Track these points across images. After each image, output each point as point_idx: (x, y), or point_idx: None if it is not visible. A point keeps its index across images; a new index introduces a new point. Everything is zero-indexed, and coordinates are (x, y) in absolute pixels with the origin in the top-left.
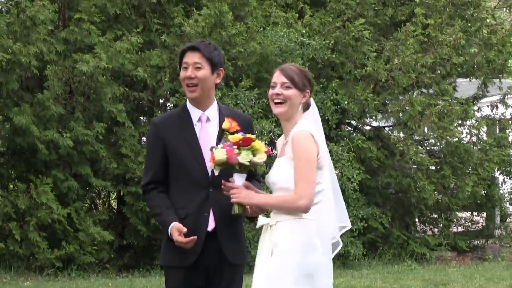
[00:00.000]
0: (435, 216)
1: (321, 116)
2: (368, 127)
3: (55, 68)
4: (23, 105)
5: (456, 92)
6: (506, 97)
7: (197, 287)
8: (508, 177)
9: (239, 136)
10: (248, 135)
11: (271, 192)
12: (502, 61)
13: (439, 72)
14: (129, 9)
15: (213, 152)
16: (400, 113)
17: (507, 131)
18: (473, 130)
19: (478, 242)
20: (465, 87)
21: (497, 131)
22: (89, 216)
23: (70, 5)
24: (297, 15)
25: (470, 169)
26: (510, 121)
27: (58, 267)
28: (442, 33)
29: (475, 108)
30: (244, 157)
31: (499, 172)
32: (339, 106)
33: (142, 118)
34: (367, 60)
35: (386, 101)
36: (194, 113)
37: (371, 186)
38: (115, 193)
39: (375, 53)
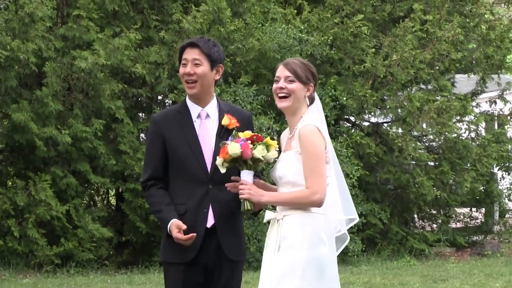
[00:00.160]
0: (434, 212)
1: None
2: (366, 123)
3: (53, 65)
4: (21, 102)
5: (454, 88)
6: (505, 92)
7: (196, 284)
8: (506, 173)
9: (250, 132)
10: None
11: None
12: (501, 57)
13: (437, 68)
14: (128, 5)
15: (225, 146)
16: (399, 109)
17: (506, 126)
18: (471, 126)
19: (477, 238)
20: (464, 83)
21: (496, 127)
22: (88, 213)
23: (68, 1)
24: (295, 11)
25: (468, 165)
26: (508, 117)
27: (57, 264)
28: (440, 29)
29: (474, 104)
30: (259, 151)
31: (497, 168)
32: (337, 102)
33: (140, 114)
34: (366, 56)
35: (385, 97)
36: (194, 109)
37: (369, 182)
38: (114, 190)
39: (373, 49)
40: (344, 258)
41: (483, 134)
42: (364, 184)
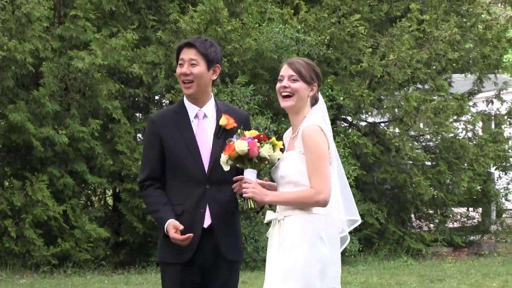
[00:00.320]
0: (431, 211)
1: None
2: (363, 123)
3: (50, 65)
4: (18, 102)
5: (451, 88)
6: (502, 92)
7: (194, 284)
8: (503, 173)
9: (255, 132)
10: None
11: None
12: (497, 57)
13: (434, 67)
14: (125, 5)
15: (231, 143)
16: (396, 109)
17: (503, 126)
18: (468, 126)
19: (474, 237)
20: (461, 82)
21: (493, 127)
22: (85, 213)
23: (65, 2)
24: (292, 11)
25: (465, 164)
26: (505, 117)
27: (54, 264)
28: (437, 28)
29: (471, 103)
30: (266, 150)
31: (494, 167)
32: (334, 102)
33: (137, 114)
34: (363, 56)
35: (382, 96)
36: (191, 109)
37: (367, 182)
38: (111, 190)
39: (370, 49)
40: (341, 258)
41: (480, 133)
42: (361, 184)
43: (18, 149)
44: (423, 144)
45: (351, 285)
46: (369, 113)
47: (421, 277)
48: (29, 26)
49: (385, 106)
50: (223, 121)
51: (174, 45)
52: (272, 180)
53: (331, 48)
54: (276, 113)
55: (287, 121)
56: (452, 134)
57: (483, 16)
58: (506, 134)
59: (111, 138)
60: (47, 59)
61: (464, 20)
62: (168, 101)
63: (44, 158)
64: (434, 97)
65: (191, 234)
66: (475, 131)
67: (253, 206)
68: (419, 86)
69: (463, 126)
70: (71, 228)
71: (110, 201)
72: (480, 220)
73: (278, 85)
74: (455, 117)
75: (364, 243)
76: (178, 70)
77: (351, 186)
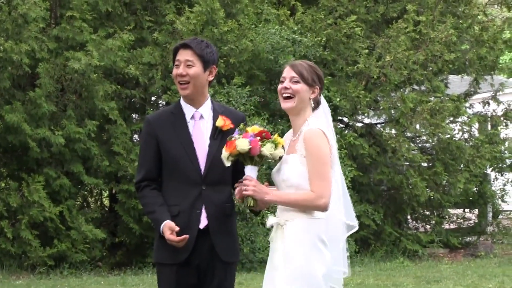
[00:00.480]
0: (427, 213)
1: None
2: (360, 124)
3: (47, 65)
4: (14, 103)
5: (447, 89)
6: (498, 93)
7: (189, 285)
8: (500, 174)
9: (258, 128)
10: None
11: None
12: (494, 58)
13: (430, 69)
14: (121, 6)
15: (233, 141)
16: (392, 110)
17: (499, 127)
18: (465, 127)
19: (470, 238)
20: (457, 83)
21: (489, 128)
22: (81, 214)
23: (61, 2)
24: (288, 12)
25: (462, 166)
26: (501, 118)
27: (50, 265)
28: (433, 30)
29: (467, 104)
30: (268, 149)
31: (491, 168)
32: (331, 103)
33: (134, 115)
34: (359, 57)
35: (378, 98)
36: (188, 110)
37: (363, 183)
38: (107, 191)
39: (367, 50)
40: None
41: (477, 135)
42: (358, 185)
43: (14, 150)
44: (420, 145)
45: (347, 286)
46: (366, 114)
47: (417, 278)
48: (26, 27)
49: (381, 107)
50: (220, 122)
51: (170, 46)
52: (271, 183)
53: (327, 49)
54: (272, 114)
55: (284, 122)
56: (449, 136)
57: (479, 17)
58: (502, 135)
59: (108, 139)
60: (44, 60)
61: (460, 21)
62: (164, 102)
63: (40, 159)
64: (430, 98)
65: (187, 236)
66: (472, 133)
67: (252, 204)
68: (416, 87)
69: (460, 128)
70: (68, 229)
71: (106, 202)
72: (476, 221)
73: (280, 86)
74: (451, 118)
75: (361, 244)
76: (174, 71)
77: (347, 188)
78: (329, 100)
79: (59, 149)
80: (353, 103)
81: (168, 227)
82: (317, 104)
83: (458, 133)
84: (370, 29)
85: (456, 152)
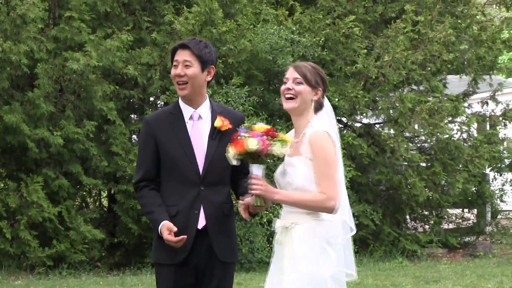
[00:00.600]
0: (426, 213)
1: None
2: (358, 124)
3: (45, 66)
4: (13, 104)
5: (446, 89)
6: (496, 93)
7: (188, 285)
8: (498, 174)
9: (264, 126)
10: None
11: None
12: (492, 58)
13: (429, 69)
14: (119, 7)
15: (241, 140)
16: (391, 110)
17: (498, 127)
18: (463, 127)
19: (469, 238)
20: (456, 83)
21: (488, 128)
22: (80, 215)
23: (60, 3)
24: (287, 12)
25: (460, 165)
26: (500, 118)
27: (49, 265)
28: (432, 30)
29: (466, 104)
30: (278, 148)
31: (489, 168)
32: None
33: (132, 116)
34: (358, 57)
35: (377, 98)
36: (186, 110)
37: (362, 183)
38: (106, 191)
39: (365, 50)
40: None
41: (475, 135)
42: (356, 185)
43: (13, 151)
44: (418, 145)
45: (346, 286)
46: (364, 114)
47: (416, 278)
48: (24, 27)
49: (380, 107)
50: (218, 122)
51: (169, 46)
52: (272, 182)
53: (326, 49)
54: (271, 114)
55: (282, 122)
56: (447, 135)
57: (478, 17)
58: (501, 135)
59: (106, 140)
60: (42, 61)
61: (459, 21)
62: (163, 102)
63: (39, 160)
64: (429, 98)
65: (185, 236)
66: (470, 132)
67: (259, 204)
68: (414, 87)
69: (458, 127)
70: (66, 229)
71: (105, 202)
72: (475, 221)
73: (283, 87)
74: (450, 118)
75: (359, 244)
76: (173, 71)
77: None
78: (327, 100)
79: (58, 150)
80: (351, 103)
81: (166, 228)
82: (320, 106)
83: (456, 133)
84: (368, 29)
85: (455, 152)
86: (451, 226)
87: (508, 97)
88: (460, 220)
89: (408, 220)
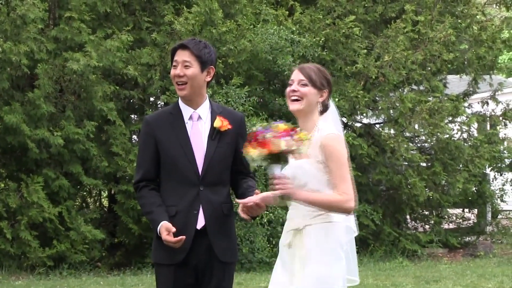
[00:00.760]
0: (426, 213)
1: None
2: (358, 124)
3: (45, 66)
4: (13, 104)
5: (446, 89)
6: (497, 93)
7: (187, 285)
8: (499, 174)
9: (283, 126)
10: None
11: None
12: (492, 58)
13: (429, 68)
14: (119, 7)
15: (268, 140)
16: (391, 110)
17: (498, 127)
18: (463, 127)
19: (470, 238)
20: (456, 83)
21: (488, 128)
22: (80, 215)
23: (60, 3)
24: (287, 12)
25: (461, 165)
26: (500, 118)
27: (49, 266)
28: (432, 29)
29: (466, 104)
30: (305, 149)
31: (490, 168)
32: None
33: (133, 116)
34: (358, 57)
35: (377, 98)
36: (186, 111)
37: (362, 183)
38: (106, 192)
39: (365, 50)
40: None
41: (475, 134)
42: (356, 185)
43: (13, 151)
44: (418, 145)
45: None
46: (364, 114)
47: (416, 278)
48: (24, 27)
49: (380, 107)
50: (218, 123)
51: (168, 47)
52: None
53: (326, 50)
54: (271, 115)
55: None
56: (447, 135)
57: (478, 17)
58: (501, 135)
59: (106, 140)
60: (42, 61)
61: (459, 21)
62: (163, 103)
63: (39, 160)
64: (429, 98)
65: (183, 237)
66: (470, 132)
67: (286, 204)
68: (414, 87)
69: (458, 127)
70: (67, 229)
71: (105, 202)
72: (475, 221)
73: (288, 89)
74: (450, 118)
75: (360, 244)
76: (172, 71)
77: None
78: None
79: (58, 150)
80: (351, 103)
81: (165, 228)
82: (325, 107)
83: (457, 133)
84: (368, 29)
85: (455, 152)
86: (451, 226)
87: (508, 96)
88: (461, 220)
89: (409, 220)
